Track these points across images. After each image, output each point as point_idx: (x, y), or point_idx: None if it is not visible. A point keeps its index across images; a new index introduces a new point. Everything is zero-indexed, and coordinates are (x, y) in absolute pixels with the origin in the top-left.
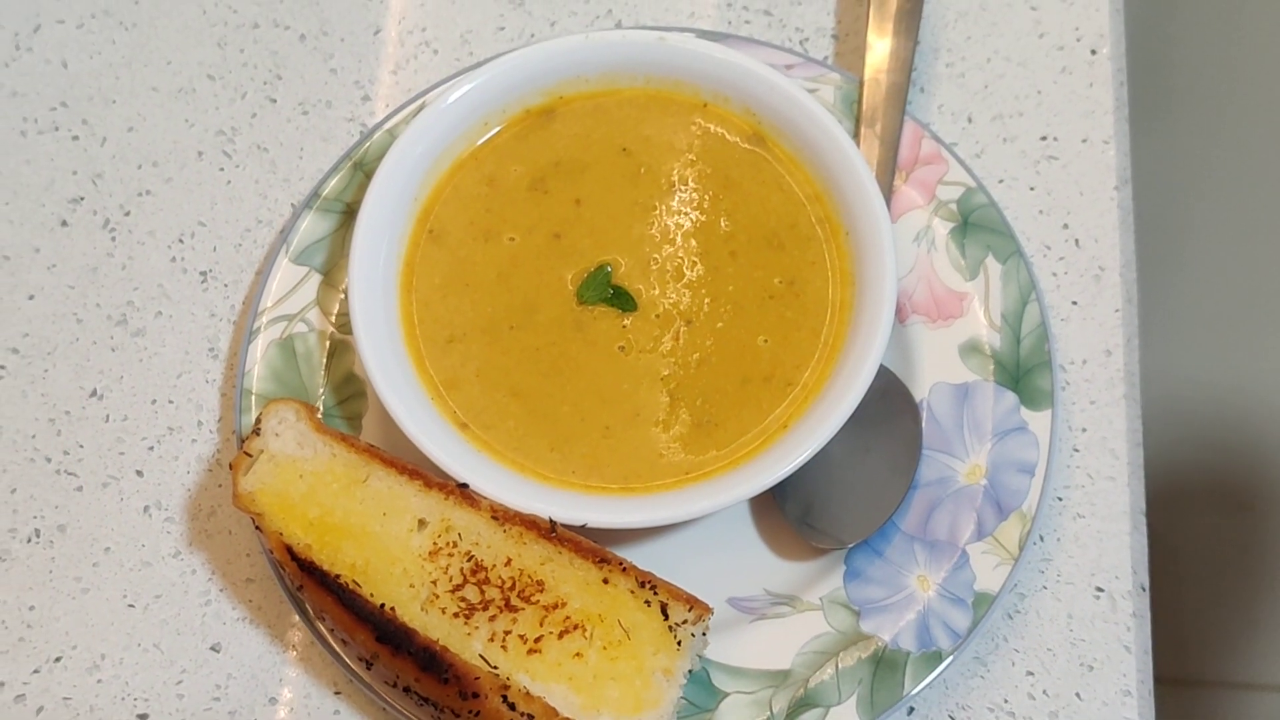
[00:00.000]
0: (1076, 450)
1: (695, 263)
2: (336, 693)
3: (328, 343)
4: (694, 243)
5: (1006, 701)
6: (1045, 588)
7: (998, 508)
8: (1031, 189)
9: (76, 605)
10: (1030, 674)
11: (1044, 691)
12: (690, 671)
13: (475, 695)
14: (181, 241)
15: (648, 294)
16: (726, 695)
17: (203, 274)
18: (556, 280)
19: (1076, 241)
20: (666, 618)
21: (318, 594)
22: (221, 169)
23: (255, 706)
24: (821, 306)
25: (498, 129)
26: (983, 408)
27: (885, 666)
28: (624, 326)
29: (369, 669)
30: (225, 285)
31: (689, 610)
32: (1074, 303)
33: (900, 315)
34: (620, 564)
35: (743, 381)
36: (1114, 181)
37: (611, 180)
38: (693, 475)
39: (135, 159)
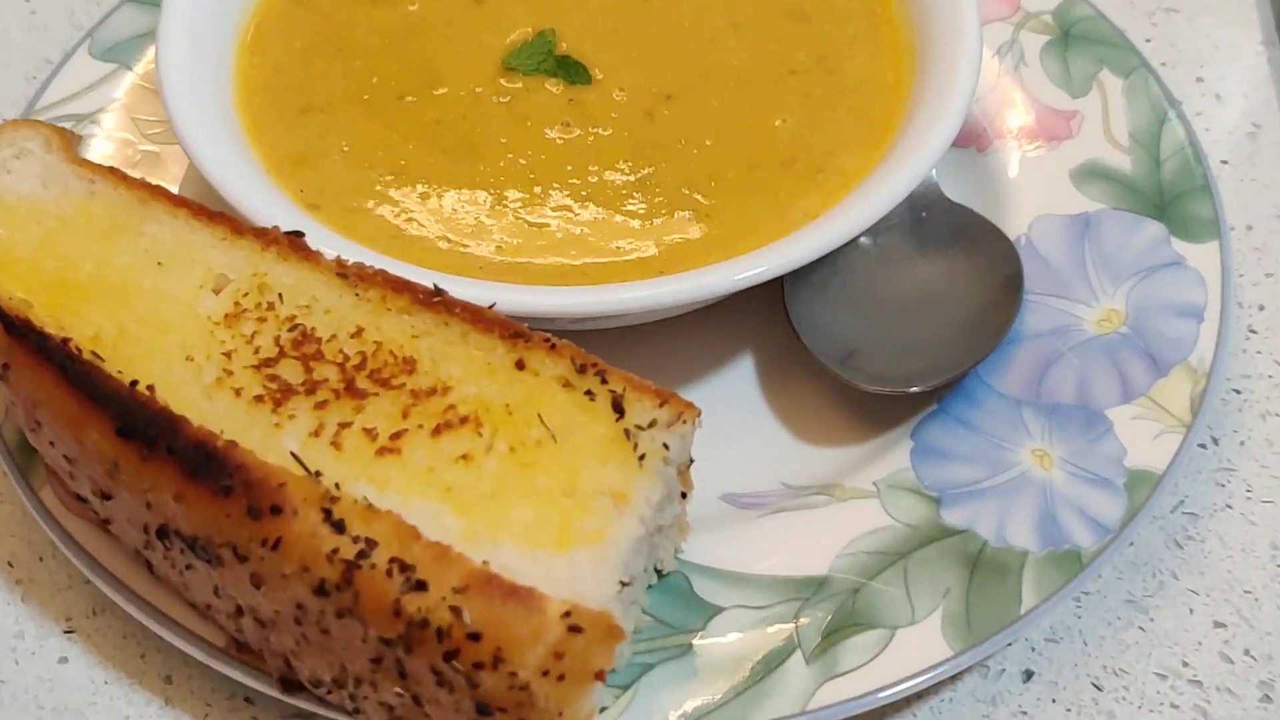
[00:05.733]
0: (1254, 332)
1: (679, 34)
2: (68, 631)
3: (128, 152)
4: (677, 13)
5: (1187, 665)
6: (1230, 506)
7: (1151, 361)
8: (1148, 41)
9: None
10: (1220, 626)
11: (1246, 652)
12: (660, 572)
13: (275, 509)
14: None
15: (609, 69)
16: (720, 610)
17: None
18: (474, 48)
19: (1217, 96)
20: (620, 416)
21: (32, 372)
22: None
23: None
24: (865, 84)
25: None
26: (1114, 240)
27: (988, 571)
28: (571, 101)
29: (107, 503)
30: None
31: (659, 407)
32: (1224, 162)
33: (979, 143)
34: (547, 341)
35: (749, 167)
36: (1259, 36)
37: None
38: (668, 270)
39: None
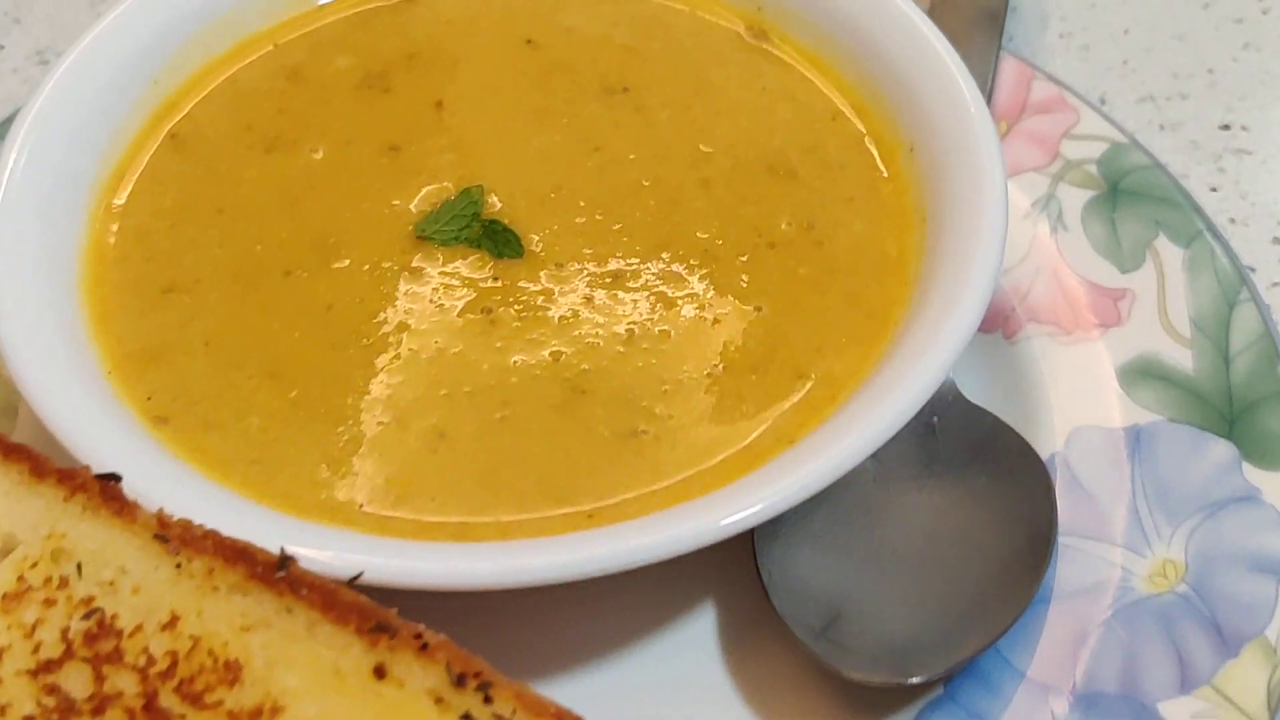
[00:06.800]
0: None
1: (635, 193)
2: None
3: None
4: (636, 167)
5: None
6: None
7: (1216, 634)
8: (1214, 190)
9: None
10: None
11: None
12: None
13: None
14: None
15: (549, 238)
16: None
17: None
18: (384, 209)
19: None
20: None
21: None
22: None
23: None
24: (861, 260)
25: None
26: (1172, 465)
27: None
28: (496, 280)
29: None
30: None
31: None
32: None
33: (1006, 327)
34: (418, 638)
35: (710, 372)
36: None
37: (500, 79)
38: (598, 519)
39: None
